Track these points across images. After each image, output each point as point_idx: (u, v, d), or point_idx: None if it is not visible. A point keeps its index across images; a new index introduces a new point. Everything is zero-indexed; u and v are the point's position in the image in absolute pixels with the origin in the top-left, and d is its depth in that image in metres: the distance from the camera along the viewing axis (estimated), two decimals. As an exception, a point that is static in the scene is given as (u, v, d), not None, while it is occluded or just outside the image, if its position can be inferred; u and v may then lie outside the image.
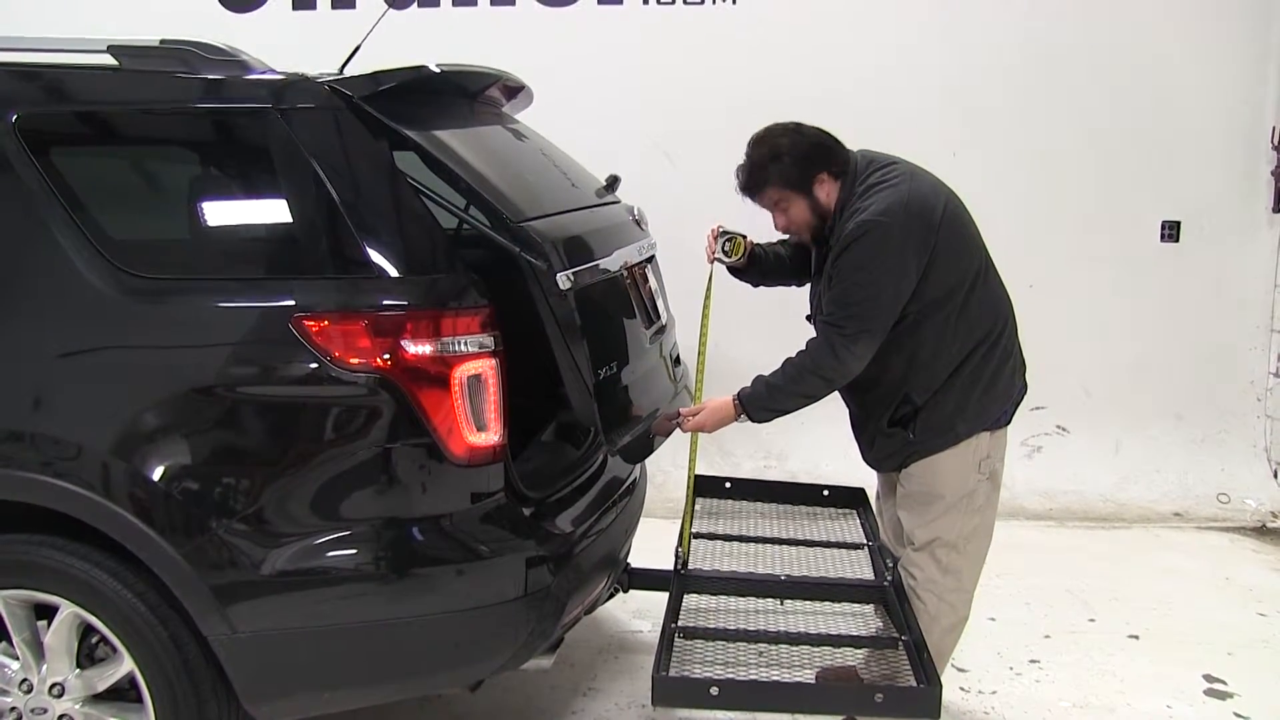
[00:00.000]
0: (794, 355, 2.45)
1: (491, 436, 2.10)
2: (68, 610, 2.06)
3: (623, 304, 2.65)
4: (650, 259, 2.96)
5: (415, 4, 4.65)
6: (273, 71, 2.19)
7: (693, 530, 3.21)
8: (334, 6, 4.65)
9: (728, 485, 3.49)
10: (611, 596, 2.95)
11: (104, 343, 2.04)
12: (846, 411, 2.72)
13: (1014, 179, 4.57)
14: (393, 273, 2.05)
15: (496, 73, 2.68)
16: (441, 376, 2.03)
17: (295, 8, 4.68)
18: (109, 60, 2.16)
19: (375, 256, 2.05)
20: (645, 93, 4.63)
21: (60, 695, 2.11)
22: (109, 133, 2.22)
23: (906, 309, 2.38)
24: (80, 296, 2.02)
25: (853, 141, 2.55)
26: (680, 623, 2.55)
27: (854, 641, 2.54)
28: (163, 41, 2.17)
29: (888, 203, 2.34)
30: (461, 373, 2.04)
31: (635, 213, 2.97)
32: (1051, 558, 4.11)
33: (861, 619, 2.79)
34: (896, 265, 2.33)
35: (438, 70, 2.31)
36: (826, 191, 2.46)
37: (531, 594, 2.13)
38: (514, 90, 2.87)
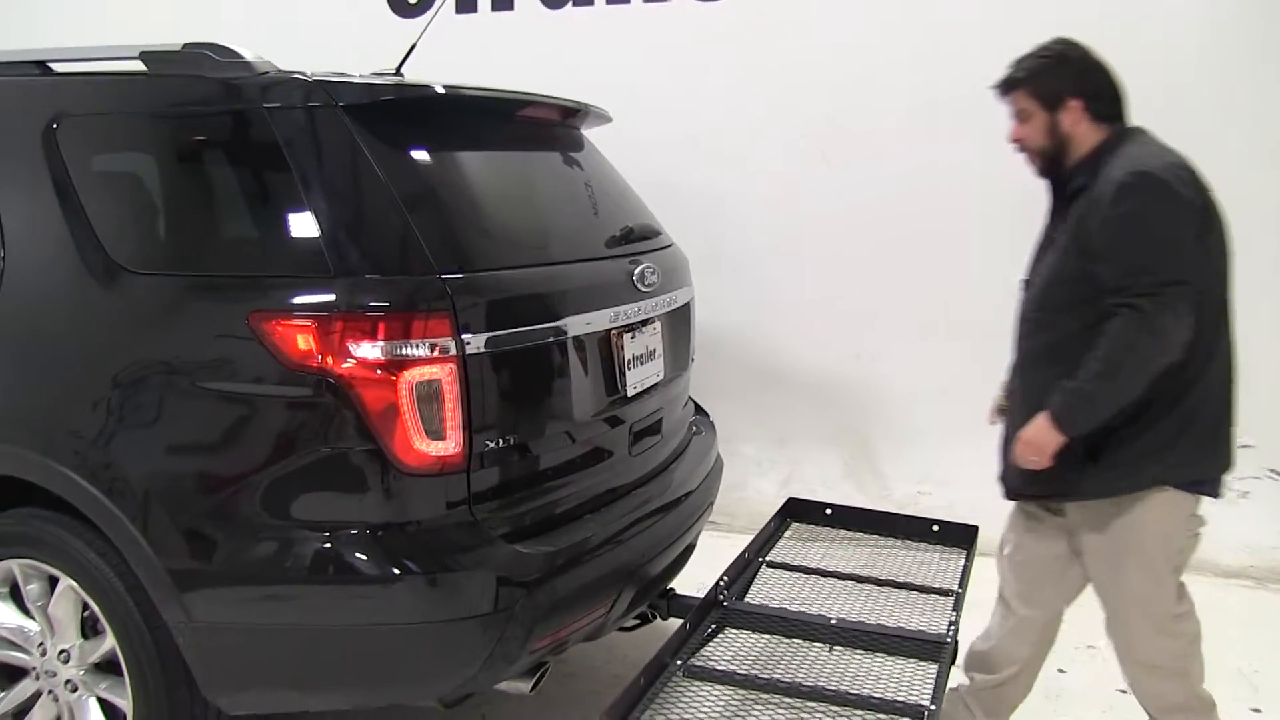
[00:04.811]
0: (1098, 352, 2.06)
1: (449, 446, 2.01)
2: (65, 583, 2.20)
3: (564, 371, 2.29)
4: (634, 325, 2.50)
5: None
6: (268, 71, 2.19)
7: (768, 559, 2.97)
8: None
9: (828, 511, 3.22)
10: (642, 623, 2.77)
11: (76, 329, 2.17)
12: None
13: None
14: (355, 274, 2.01)
15: (524, 96, 2.51)
16: (392, 381, 1.96)
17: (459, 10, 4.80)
18: (139, 66, 2.26)
19: (337, 258, 2.01)
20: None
21: (67, 661, 2.25)
22: (111, 135, 2.29)
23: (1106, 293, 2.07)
24: (66, 283, 2.16)
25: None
26: (692, 661, 2.34)
27: (864, 703, 2.20)
28: (185, 46, 2.23)
29: (1167, 160, 2.12)
30: (413, 377, 1.97)
31: (637, 274, 2.51)
32: (1234, 626, 3.39)
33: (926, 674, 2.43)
34: (1185, 217, 2.06)
35: (442, 91, 2.25)
36: (1073, 121, 2.22)
37: (490, 614, 2.02)
38: (570, 112, 2.70)
